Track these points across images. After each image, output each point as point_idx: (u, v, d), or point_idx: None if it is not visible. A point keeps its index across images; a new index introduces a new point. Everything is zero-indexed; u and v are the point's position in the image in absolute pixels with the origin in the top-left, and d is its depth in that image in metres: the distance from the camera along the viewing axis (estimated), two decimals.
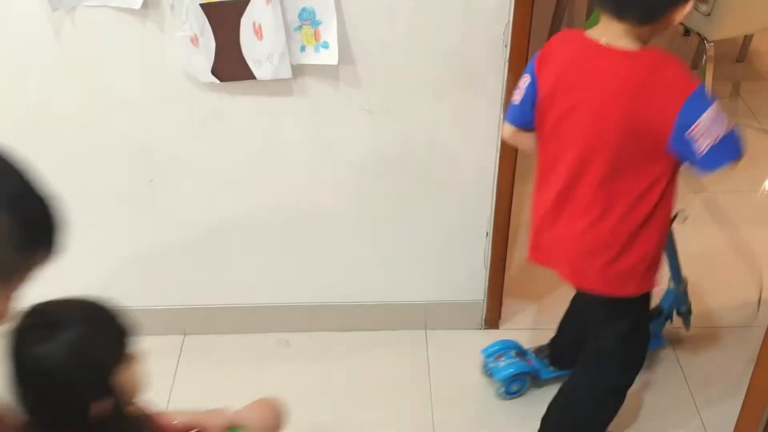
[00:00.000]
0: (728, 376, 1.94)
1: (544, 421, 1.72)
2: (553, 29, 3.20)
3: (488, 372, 1.92)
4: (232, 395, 1.94)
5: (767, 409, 1.53)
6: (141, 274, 1.99)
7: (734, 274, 2.28)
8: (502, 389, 1.89)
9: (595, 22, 2.31)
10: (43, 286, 2.13)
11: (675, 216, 1.49)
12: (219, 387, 1.96)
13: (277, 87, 1.65)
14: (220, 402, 1.92)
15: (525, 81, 1.42)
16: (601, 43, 1.32)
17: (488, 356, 1.92)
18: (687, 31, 3.49)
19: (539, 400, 1.90)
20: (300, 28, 1.56)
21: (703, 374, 1.97)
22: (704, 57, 2.71)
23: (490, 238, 1.92)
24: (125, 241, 1.93)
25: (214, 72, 1.61)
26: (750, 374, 1.55)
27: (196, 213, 1.88)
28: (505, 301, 2.11)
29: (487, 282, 2.01)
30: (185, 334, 2.11)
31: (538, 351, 1.93)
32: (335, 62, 1.59)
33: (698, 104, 1.27)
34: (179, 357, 2.05)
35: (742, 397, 1.60)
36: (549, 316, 2.14)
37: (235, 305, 2.06)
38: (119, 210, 1.87)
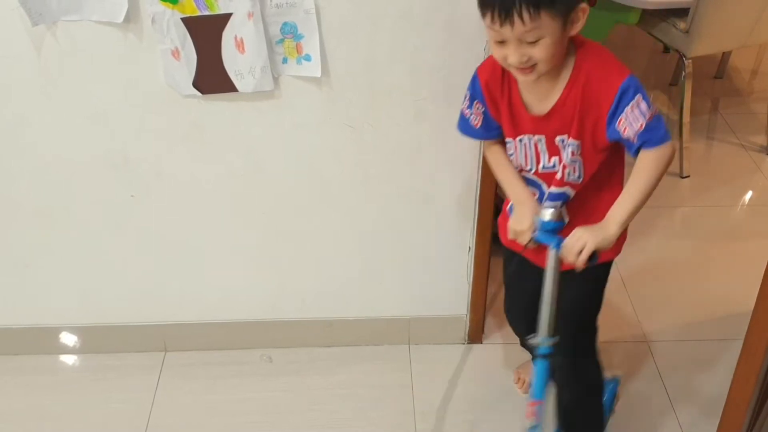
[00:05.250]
0: (708, 388, 1.95)
1: None
2: None
3: None
4: (213, 412, 1.93)
5: (746, 422, 1.54)
6: (121, 290, 1.97)
7: (714, 287, 2.30)
8: None
9: None
10: (24, 303, 2.12)
11: None
12: (200, 403, 1.95)
13: (259, 100, 1.65)
14: (201, 418, 1.91)
15: None
16: None
17: None
18: (666, 49, 3.55)
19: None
20: (282, 41, 1.56)
21: (683, 386, 1.98)
22: (683, 74, 2.75)
23: (473, 252, 1.92)
24: (105, 257, 1.91)
25: (195, 85, 1.61)
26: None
27: (176, 228, 1.87)
28: (488, 315, 2.11)
29: (470, 297, 2.01)
30: (166, 350, 2.09)
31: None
32: (318, 74, 1.60)
33: None
34: (160, 373, 2.03)
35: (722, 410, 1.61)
36: None
37: (216, 321, 2.04)
38: (99, 225, 1.85)
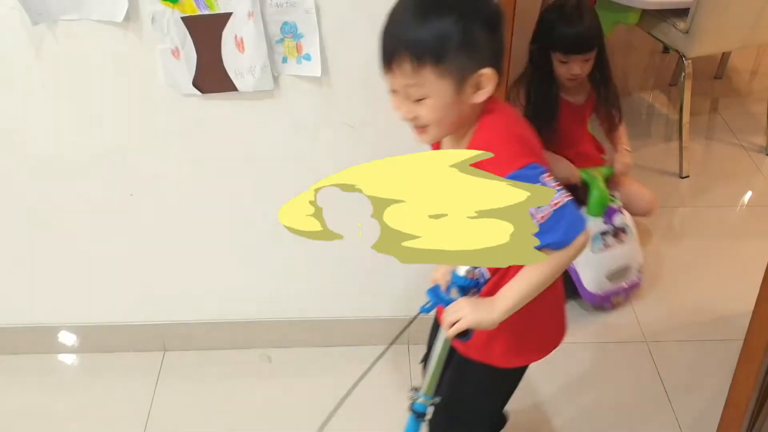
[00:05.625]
0: (708, 388, 1.95)
1: None
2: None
3: None
4: (212, 412, 1.93)
5: (745, 422, 1.54)
6: (121, 290, 1.97)
7: (714, 287, 2.30)
8: None
9: None
10: (23, 303, 2.11)
11: None
12: (199, 404, 1.95)
13: (259, 99, 1.65)
14: (200, 418, 1.91)
15: None
16: None
17: None
18: (666, 49, 3.55)
19: (520, 412, 1.90)
20: (282, 41, 1.56)
21: (683, 387, 1.97)
22: (683, 74, 2.75)
23: None
24: (104, 257, 1.91)
25: (195, 84, 1.61)
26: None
27: (175, 227, 1.87)
28: None
29: None
30: (165, 350, 2.08)
31: None
32: (318, 74, 1.59)
33: None
34: (159, 373, 2.02)
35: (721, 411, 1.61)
36: None
37: (215, 321, 2.04)
38: (99, 225, 1.85)
